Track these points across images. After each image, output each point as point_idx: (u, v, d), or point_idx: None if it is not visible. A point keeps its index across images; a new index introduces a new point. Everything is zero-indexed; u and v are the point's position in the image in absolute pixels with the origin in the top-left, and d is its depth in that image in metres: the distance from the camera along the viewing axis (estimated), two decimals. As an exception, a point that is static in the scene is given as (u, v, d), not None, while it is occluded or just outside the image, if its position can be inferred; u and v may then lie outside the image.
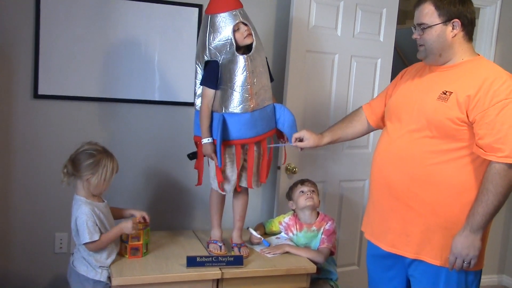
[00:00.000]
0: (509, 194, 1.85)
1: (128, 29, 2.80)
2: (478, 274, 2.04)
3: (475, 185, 1.90)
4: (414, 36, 2.01)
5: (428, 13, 1.94)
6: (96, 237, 2.21)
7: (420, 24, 1.97)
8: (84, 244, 2.22)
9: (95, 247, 2.24)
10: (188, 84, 2.85)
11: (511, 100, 1.81)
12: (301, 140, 2.39)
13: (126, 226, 2.30)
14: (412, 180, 1.98)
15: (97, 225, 2.24)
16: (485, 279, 3.85)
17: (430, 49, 1.97)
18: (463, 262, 1.89)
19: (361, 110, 2.41)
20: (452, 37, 1.93)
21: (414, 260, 2.03)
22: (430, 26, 1.94)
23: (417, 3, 2.00)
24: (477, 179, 1.90)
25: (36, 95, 2.67)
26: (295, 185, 2.76)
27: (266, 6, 3.06)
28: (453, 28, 1.93)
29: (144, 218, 2.43)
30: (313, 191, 2.68)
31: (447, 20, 1.92)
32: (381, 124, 2.32)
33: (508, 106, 1.80)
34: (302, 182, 2.73)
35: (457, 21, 1.92)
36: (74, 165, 2.25)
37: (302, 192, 2.68)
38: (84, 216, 2.21)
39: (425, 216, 1.97)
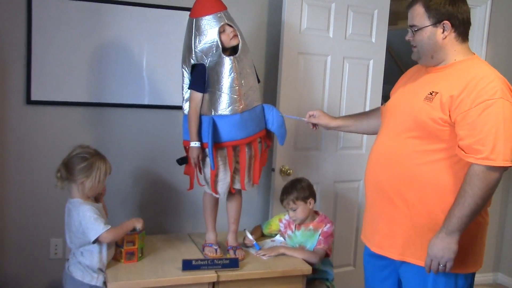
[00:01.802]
0: (488, 197, 1.81)
1: (120, 34, 2.80)
2: (469, 277, 2.00)
3: (456, 188, 1.85)
4: (407, 37, 2.00)
5: (419, 15, 1.92)
6: (108, 225, 2.21)
7: (412, 26, 1.96)
8: (99, 236, 2.19)
9: (112, 236, 2.22)
10: (180, 87, 2.85)
11: (495, 101, 1.76)
12: (314, 117, 2.46)
13: (138, 221, 2.38)
14: (398, 180, 1.97)
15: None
16: (480, 278, 3.86)
17: (422, 51, 1.96)
18: (439, 264, 1.85)
19: (379, 108, 2.37)
20: (443, 39, 1.91)
21: (403, 262, 2.03)
22: (420, 28, 1.92)
23: (409, 4, 1.98)
24: (458, 182, 1.85)
25: (29, 101, 2.68)
26: (281, 197, 2.66)
27: (258, 8, 3.07)
28: (443, 30, 1.90)
29: None
30: (294, 209, 2.60)
31: (436, 22, 1.89)
32: None
33: (492, 107, 1.76)
34: (282, 199, 2.63)
35: (447, 23, 1.89)
36: (67, 169, 2.24)
37: (286, 209, 2.66)
38: (88, 212, 2.21)
39: (410, 217, 1.96)
